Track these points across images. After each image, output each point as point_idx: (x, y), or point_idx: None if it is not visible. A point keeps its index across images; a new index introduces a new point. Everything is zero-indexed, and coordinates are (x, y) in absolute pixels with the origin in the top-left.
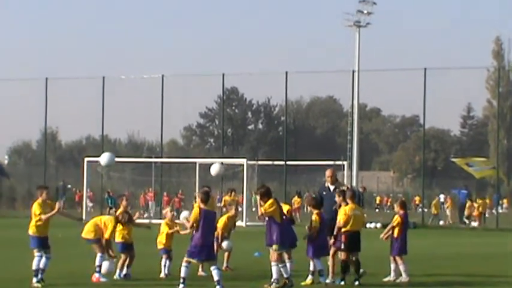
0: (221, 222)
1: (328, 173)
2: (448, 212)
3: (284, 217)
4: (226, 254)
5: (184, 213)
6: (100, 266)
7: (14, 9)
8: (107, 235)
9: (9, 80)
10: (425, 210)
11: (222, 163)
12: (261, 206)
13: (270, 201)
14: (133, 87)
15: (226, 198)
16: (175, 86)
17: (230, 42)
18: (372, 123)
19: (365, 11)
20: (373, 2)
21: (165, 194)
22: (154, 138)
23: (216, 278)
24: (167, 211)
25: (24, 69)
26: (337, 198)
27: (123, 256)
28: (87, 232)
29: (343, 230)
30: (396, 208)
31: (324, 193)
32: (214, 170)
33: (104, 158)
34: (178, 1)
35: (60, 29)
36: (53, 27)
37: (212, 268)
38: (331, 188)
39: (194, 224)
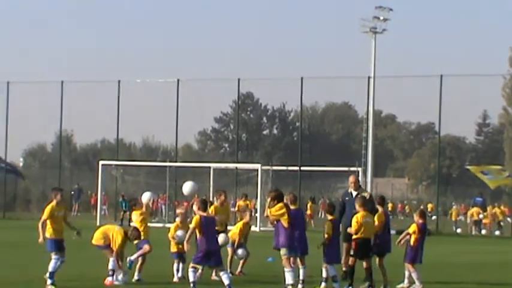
0: (236, 229)
1: (351, 179)
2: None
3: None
4: (241, 260)
5: (179, 233)
6: (113, 270)
7: (31, 11)
8: (116, 248)
9: (25, 82)
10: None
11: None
12: (268, 207)
13: (279, 205)
14: (149, 91)
15: (240, 203)
16: (191, 90)
17: (246, 47)
18: (387, 130)
19: (381, 17)
20: (389, 8)
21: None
22: (169, 142)
23: (226, 282)
24: (180, 211)
25: (41, 73)
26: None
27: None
28: (97, 239)
29: (354, 237)
30: (415, 217)
31: (347, 199)
32: (186, 189)
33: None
34: (193, 6)
35: (76, 32)
36: (69, 31)
37: (221, 273)
38: (354, 194)
39: (196, 231)
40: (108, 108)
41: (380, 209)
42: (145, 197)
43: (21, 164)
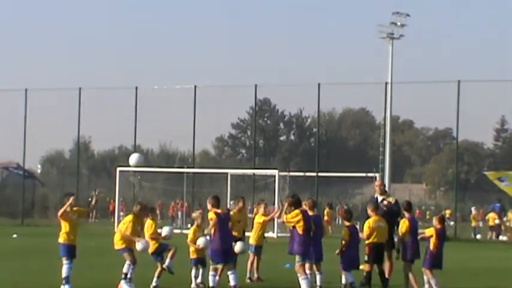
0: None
1: (377, 183)
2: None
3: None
4: (255, 264)
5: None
6: (126, 274)
7: (49, 19)
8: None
9: (43, 89)
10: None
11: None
12: (285, 213)
13: (295, 211)
14: (166, 98)
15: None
16: (208, 96)
17: (263, 53)
18: (405, 136)
19: (398, 23)
20: (406, 14)
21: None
22: (186, 148)
23: (232, 283)
24: (196, 215)
25: (58, 79)
26: (369, 211)
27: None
28: (116, 243)
29: (366, 242)
30: (434, 222)
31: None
32: (132, 160)
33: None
34: (210, 13)
35: (93, 39)
36: (86, 38)
37: (229, 272)
38: (380, 198)
39: (214, 229)
40: (126, 115)
41: (407, 214)
42: (165, 231)
43: (39, 171)
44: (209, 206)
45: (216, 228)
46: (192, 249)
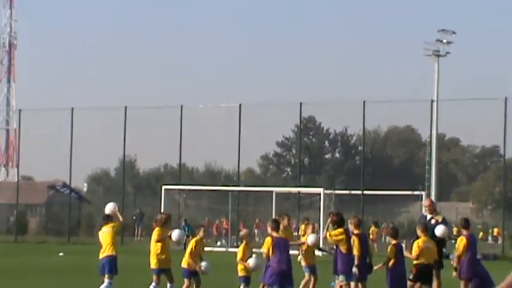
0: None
1: (426, 202)
2: None
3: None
4: (311, 285)
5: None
6: None
7: (98, 38)
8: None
9: (89, 108)
10: None
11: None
12: (327, 230)
13: (339, 230)
14: (211, 116)
15: (303, 227)
16: (253, 115)
17: (307, 70)
18: (451, 153)
19: (444, 40)
20: (452, 31)
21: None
22: (231, 166)
23: None
24: (244, 233)
25: (104, 99)
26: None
27: (186, 282)
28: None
29: (415, 262)
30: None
31: (421, 221)
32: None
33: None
34: (255, 32)
35: (139, 58)
36: (133, 57)
37: None
38: (428, 217)
39: (268, 253)
40: (171, 133)
41: (464, 232)
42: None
43: (85, 189)
44: (269, 229)
45: (272, 252)
46: (240, 267)
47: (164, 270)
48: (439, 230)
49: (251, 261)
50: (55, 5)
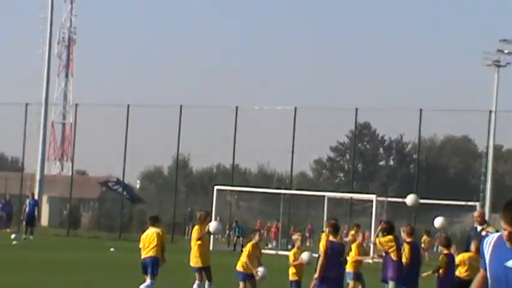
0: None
1: (476, 213)
2: None
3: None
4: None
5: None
6: None
7: (149, 39)
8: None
9: (144, 105)
10: None
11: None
12: (377, 236)
13: (389, 237)
14: (266, 118)
15: (352, 232)
16: (308, 118)
17: (364, 76)
18: (508, 165)
19: (505, 51)
20: None
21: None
22: (284, 169)
23: None
24: (297, 237)
25: (160, 97)
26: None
27: (241, 285)
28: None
29: (456, 273)
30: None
31: (472, 233)
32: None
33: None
34: (314, 34)
35: (195, 58)
36: (188, 57)
37: None
38: (479, 229)
39: (322, 257)
40: (225, 134)
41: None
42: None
43: (137, 187)
44: (326, 232)
45: (326, 257)
46: (292, 271)
47: (204, 268)
48: (437, 221)
49: (304, 255)
50: (115, 0)
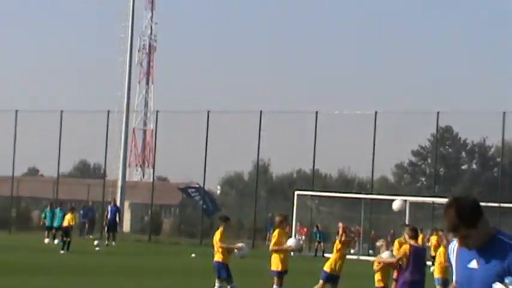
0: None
1: None
2: None
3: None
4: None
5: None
6: None
7: (235, 43)
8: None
9: (225, 112)
10: None
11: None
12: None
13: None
14: (346, 123)
15: (433, 238)
16: (388, 122)
17: (445, 79)
18: None
19: None
20: None
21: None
22: (364, 174)
23: None
24: (381, 244)
25: (240, 102)
26: None
27: (321, 283)
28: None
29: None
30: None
31: None
32: (396, 205)
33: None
34: (390, 38)
35: (281, 63)
36: (276, 62)
37: None
38: None
39: (402, 260)
40: (305, 139)
41: None
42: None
43: (218, 192)
44: (406, 237)
45: (408, 261)
46: (377, 277)
47: (283, 273)
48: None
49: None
50: (196, 7)
